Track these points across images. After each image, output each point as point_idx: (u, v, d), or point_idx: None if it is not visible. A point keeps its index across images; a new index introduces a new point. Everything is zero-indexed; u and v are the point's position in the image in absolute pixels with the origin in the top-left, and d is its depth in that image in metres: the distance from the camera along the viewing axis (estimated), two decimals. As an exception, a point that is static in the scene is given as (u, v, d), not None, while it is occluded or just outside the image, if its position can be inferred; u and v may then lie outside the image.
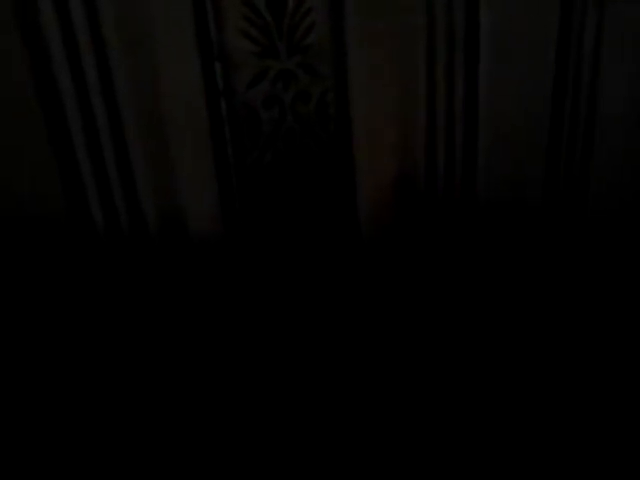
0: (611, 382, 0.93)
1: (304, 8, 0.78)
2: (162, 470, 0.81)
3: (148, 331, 0.87)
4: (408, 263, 0.96)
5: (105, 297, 0.83)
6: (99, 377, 0.84)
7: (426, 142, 0.91)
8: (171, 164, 0.81)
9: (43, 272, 0.79)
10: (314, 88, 0.83)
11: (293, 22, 0.79)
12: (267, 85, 0.81)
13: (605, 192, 1.00)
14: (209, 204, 0.84)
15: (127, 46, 0.73)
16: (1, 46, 0.69)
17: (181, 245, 0.85)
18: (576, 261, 1.02)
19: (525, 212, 0.98)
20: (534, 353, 1.00)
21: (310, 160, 0.87)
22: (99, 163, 0.77)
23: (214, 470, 0.81)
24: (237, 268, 0.88)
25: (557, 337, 1.01)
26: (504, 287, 1.01)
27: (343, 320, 0.95)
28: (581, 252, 1.02)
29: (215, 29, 0.76)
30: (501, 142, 0.93)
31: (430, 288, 0.98)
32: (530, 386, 0.94)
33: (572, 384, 0.93)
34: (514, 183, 0.97)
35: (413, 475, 0.79)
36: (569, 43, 0.90)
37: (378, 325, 0.96)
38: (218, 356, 0.90)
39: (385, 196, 0.92)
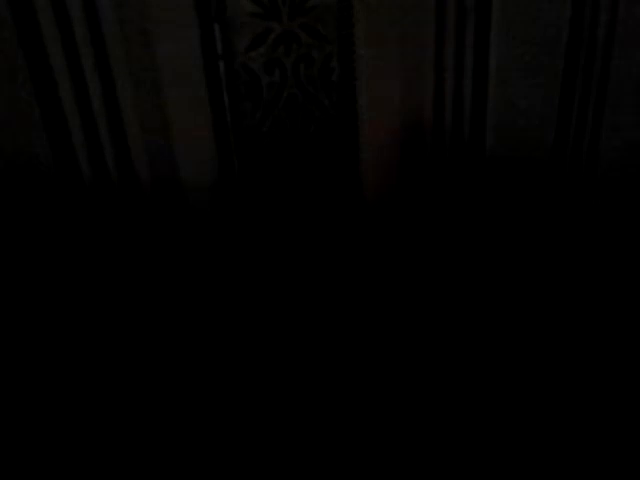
0: (615, 377, 0.92)
1: (308, -34, 0.74)
2: (162, 469, 0.80)
3: (137, 301, 0.84)
4: (412, 226, 0.93)
5: (94, 262, 0.81)
6: (85, 353, 0.82)
7: (433, 101, 0.87)
8: (167, 127, 0.77)
9: (31, 231, 0.77)
10: (317, 52, 0.79)
11: (296, -19, 0.75)
12: (268, 48, 0.77)
13: (615, 157, 0.97)
14: (206, 169, 0.81)
15: (120, 6, 0.70)
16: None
17: (176, 208, 0.82)
18: (582, 226, 1.00)
19: (533, 171, 0.95)
20: (536, 329, 0.98)
21: (312, 126, 0.84)
22: (90, 122, 0.74)
23: (214, 469, 0.80)
24: (234, 235, 0.86)
25: (560, 314, 0.99)
26: (509, 252, 0.98)
27: (345, 293, 0.93)
28: (588, 219, 1.00)
29: (214, -13, 0.72)
30: (511, 99, 0.90)
31: (435, 253, 0.95)
32: (533, 371, 0.93)
33: (575, 376, 0.92)
34: (523, 140, 0.93)
35: (413, 475, 0.78)
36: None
37: (381, 300, 0.94)
38: (211, 329, 0.88)
39: (390, 158, 0.89)
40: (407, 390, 0.87)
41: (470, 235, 0.96)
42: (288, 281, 0.90)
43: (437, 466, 0.79)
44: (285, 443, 0.81)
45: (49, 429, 0.80)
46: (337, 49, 0.80)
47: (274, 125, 0.82)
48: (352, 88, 0.83)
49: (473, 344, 0.93)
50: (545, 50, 0.87)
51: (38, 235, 0.77)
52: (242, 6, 0.74)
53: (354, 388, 0.88)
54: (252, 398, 0.86)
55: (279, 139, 0.83)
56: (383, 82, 0.84)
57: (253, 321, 0.90)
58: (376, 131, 0.86)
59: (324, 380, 0.88)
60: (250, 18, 0.75)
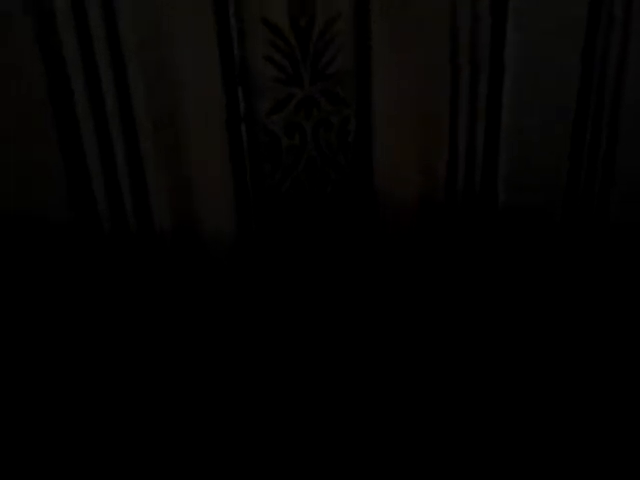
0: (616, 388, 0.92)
1: (330, 34, 0.77)
2: (162, 470, 0.79)
3: (154, 334, 0.84)
4: (428, 277, 0.94)
5: (111, 300, 0.81)
6: (101, 377, 0.82)
7: (447, 165, 0.89)
8: (189, 184, 0.79)
9: (48, 275, 0.77)
10: (336, 116, 0.81)
11: (318, 48, 0.77)
12: (289, 112, 0.79)
13: (628, 202, 0.98)
14: (225, 225, 0.82)
15: (147, 64, 0.71)
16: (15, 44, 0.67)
17: (194, 263, 0.83)
18: (596, 271, 1.01)
19: (545, 222, 0.97)
20: (545, 360, 0.98)
21: (329, 187, 0.85)
22: (112, 175, 0.75)
23: (214, 470, 0.79)
24: (251, 288, 0.86)
25: (568, 343, 0.99)
26: (520, 295, 0.99)
27: (356, 329, 0.93)
28: (601, 263, 1.01)
29: (239, 53, 0.74)
30: (523, 155, 0.92)
31: (446, 295, 0.96)
32: (535, 388, 0.93)
33: (578, 387, 0.92)
34: (535, 191, 0.95)
35: (413, 475, 0.77)
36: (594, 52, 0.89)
37: (390, 329, 0.94)
38: (223, 360, 0.88)
39: (406, 218, 0.90)
40: (409, 393, 0.87)
41: (481, 276, 0.97)
42: (298, 325, 0.91)
43: (437, 466, 0.78)
44: (285, 443, 0.80)
45: (49, 429, 0.79)
46: (355, 112, 0.83)
47: (293, 186, 0.83)
48: (368, 149, 0.85)
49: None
50: (557, 101, 0.90)
51: (55, 281, 0.78)
52: (265, 71, 0.76)
53: (355, 391, 0.87)
54: (255, 396, 0.85)
55: (297, 199, 0.84)
56: (399, 144, 0.86)
57: (258, 353, 0.90)
58: (392, 190, 0.88)
59: (326, 383, 0.88)
60: (273, 83, 0.77)
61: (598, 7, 0.83)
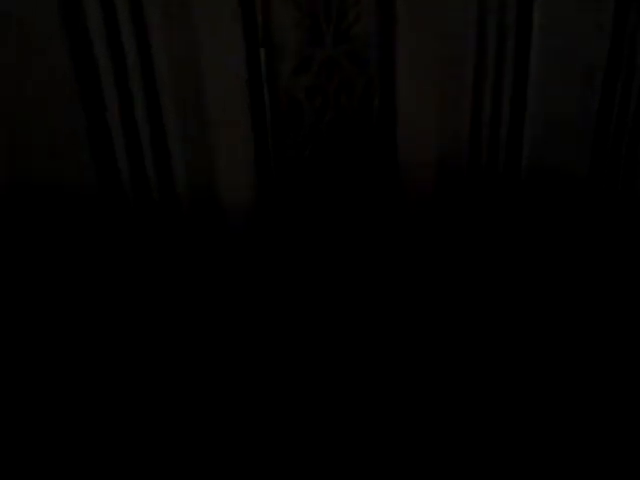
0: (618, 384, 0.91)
1: (353, -4, 0.75)
2: (162, 471, 0.80)
3: (170, 306, 0.85)
4: (449, 239, 0.93)
5: (131, 269, 0.82)
6: (104, 367, 0.83)
7: (470, 128, 0.88)
8: (209, 148, 0.79)
9: (71, 242, 0.78)
10: (358, 78, 0.80)
11: (341, 9, 0.76)
12: (311, 74, 0.78)
13: None
14: (246, 190, 0.82)
15: (169, 28, 0.71)
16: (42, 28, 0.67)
17: (213, 228, 0.83)
18: (617, 247, 0.99)
19: (571, 181, 0.95)
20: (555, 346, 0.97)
21: (351, 152, 0.84)
22: (134, 140, 0.75)
23: (214, 471, 0.80)
24: (268, 257, 0.86)
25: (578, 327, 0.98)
26: (540, 267, 0.98)
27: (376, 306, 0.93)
28: (624, 237, 0.99)
29: (262, 14, 0.73)
30: (549, 128, 0.90)
31: (465, 264, 0.95)
32: (536, 384, 0.92)
33: (578, 383, 0.91)
34: (561, 149, 0.93)
35: (413, 475, 0.77)
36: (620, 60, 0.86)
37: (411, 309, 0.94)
38: (234, 342, 0.89)
39: (428, 184, 0.89)
40: (409, 392, 0.87)
41: (502, 246, 0.96)
42: (316, 302, 0.91)
43: (437, 467, 0.78)
44: (285, 445, 0.81)
45: (48, 430, 0.81)
46: (378, 77, 0.81)
47: (315, 149, 0.82)
48: (392, 114, 0.84)
49: (479, 347, 0.93)
50: (581, 80, 0.87)
51: (79, 250, 0.79)
52: (288, 32, 0.76)
53: (356, 390, 0.87)
54: (254, 400, 0.86)
55: (320, 163, 0.84)
56: (423, 107, 0.85)
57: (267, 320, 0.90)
58: (415, 154, 0.86)
59: (326, 382, 0.88)
60: (295, 44, 0.76)
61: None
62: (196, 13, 0.71)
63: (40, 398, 0.80)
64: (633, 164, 0.94)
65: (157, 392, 0.85)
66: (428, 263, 0.93)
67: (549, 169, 0.92)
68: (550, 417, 0.88)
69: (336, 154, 0.84)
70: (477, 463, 0.79)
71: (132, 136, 0.75)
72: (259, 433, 0.86)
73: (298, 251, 0.88)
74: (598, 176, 0.94)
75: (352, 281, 0.91)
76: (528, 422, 0.87)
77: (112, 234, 0.78)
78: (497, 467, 0.78)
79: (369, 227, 0.89)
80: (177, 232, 0.81)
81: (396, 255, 0.92)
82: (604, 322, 0.99)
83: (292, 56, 0.77)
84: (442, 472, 0.77)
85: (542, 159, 0.91)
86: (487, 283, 0.96)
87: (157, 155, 0.76)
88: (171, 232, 0.81)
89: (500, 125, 0.87)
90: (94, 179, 0.74)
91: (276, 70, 0.77)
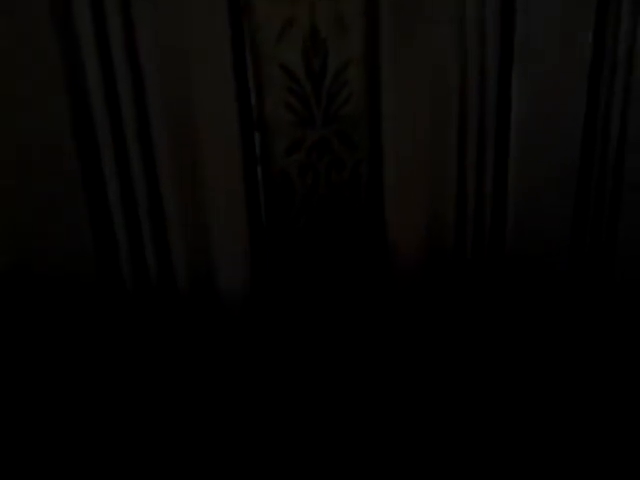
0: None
1: (342, 79, 0.80)
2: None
3: (167, 385, 0.85)
4: (436, 315, 0.95)
5: (128, 352, 0.82)
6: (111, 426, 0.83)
7: (456, 214, 0.91)
8: (205, 226, 0.81)
9: (69, 326, 0.79)
10: (348, 157, 0.84)
11: (331, 92, 0.80)
12: (303, 153, 0.82)
13: (633, 257, 0.99)
14: (240, 266, 0.84)
15: (167, 109, 0.75)
16: (50, 107, 0.71)
17: (209, 304, 0.84)
18: (601, 327, 1.01)
19: (551, 275, 0.98)
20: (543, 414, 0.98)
21: (342, 226, 0.87)
22: (133, 221, 0.78)
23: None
24: (263, 328, 0.88)
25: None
26: (523, 343, 0.99)
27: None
28: (607, 318, 1.01)
29: (256, 98, 0.77)
30: (529, 212, 0.94)
31: (451, 342, 0.97)
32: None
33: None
34: (541, 240, 0.96)
35: None
36: (596, 120, 0.91)
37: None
38: (232, 411, 0.89)
39: (414, 258, 0.92)
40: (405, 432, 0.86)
41: (486, 327, 0.97)
42: (309, 376, 0.91)
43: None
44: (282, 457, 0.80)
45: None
46: (366, 154, 0.85)
47: (306, 225, 0.85)
48: (380, 189, 0.87)
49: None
50: (562, 153, 0.92)
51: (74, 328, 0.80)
52: (281, 114, 0.79)
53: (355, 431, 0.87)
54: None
55: (310, 238, 0.86)
56: (409, 186, 0.88)
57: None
58: (401, 231, 0.89)
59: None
60: (288, 126, 0.80)
61: (601, 58, 0.86)
62: (195, 100, 0.75)
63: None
64: (611, 253, 0.98)
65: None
66: (417, 338, 0.95)
67: (531, 256, 0.95)
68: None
69: (327, 228, 0.86)
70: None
71: (131, 215, 0.77)
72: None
73: (292, 326, 0.89)
74: (577, 267, 0.97)
75: (344, 354, 0.92)
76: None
77: (109, 315, 0.80)
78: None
79: (360, 300, 0.91)
80: (174, 314, 0.82)
81: (386, 328, 0.93)
82: (584, 398, 1.00)
83: (285, 137, 0.81)
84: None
85: (524, 247, 0.94)
86: (474, 357, 0.98)
87: (156, 238, 0.78)
88: (168, 314, 0.82)
89: (484, 204, 0.91)
90: (93, 264, 0.76)
91: (269, 150, 0.81)
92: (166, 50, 0.72)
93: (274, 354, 0.89)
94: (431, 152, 0.87)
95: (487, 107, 0.85)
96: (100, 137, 0.73)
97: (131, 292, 0.80)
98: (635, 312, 1.01)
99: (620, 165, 0.94)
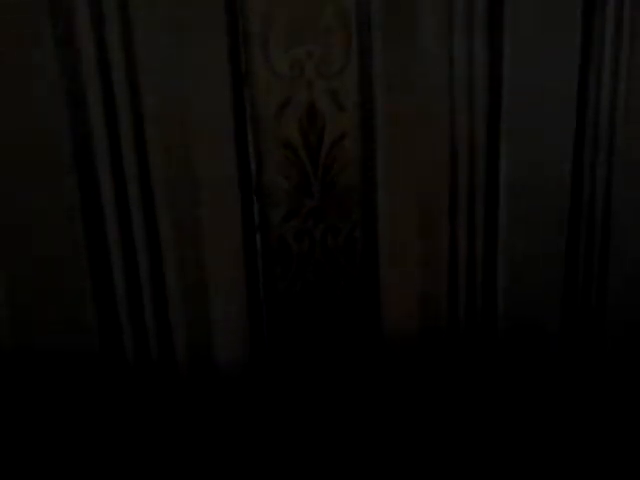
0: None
1: (337, 151, 0.84)
2: None
3: (167, 458, 0.86)
4: (429, 381, 0.96)
5: (128, 426, 0.83)
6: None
7: (448, 278, 0.94)
8: (205, 292, 0.83)
9: (70, 400, 0.80)
10: (343, 223, 0.87)
11: (327, 163, 0.84)
12: (300, 219, 0.85)
13: (622, 319, 1.01)
14: (238, 334, 0.86)
15: (169, 180, 0.78)
16: (55, 190, 0.74)
17: (207, 375, 0.85)
18: (593, 389, 1.02)
19: (543, 335, 0.99)
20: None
21: (336, 291, 0.89)
22: (134, 293, 0.80)
23: None
24: (261, 397, 0.89)
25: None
26: (518, 417, 1.00)
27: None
28: (599, 379, 1.02)
29: (255, 169, 0.81)
30: (519, 278, 0.96)
31: (443, 407, 0.97)
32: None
33: None
34: (533, 305, 0.98)
35: None
36: (582, 182, 0.95)
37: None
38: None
39: (408, 323, 0.93)
40: None
41: (479, 392, 0.98)
42: (307, 442, 0.92)
43: None
44: None
45: None
46: (361, 221, 0.88)
47: (302, 289, 0.88)
48: (374, 257, 0.90)
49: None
50: (550, 219, 0.95)
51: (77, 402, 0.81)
52: (279, 184, 0.83)
53: None
54: None
55: (306, 301, 0.88)
56: (402, 253, 0.91)
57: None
58: (395, 295, 0.92)
59: None
60: (285, 194, 0.84)
61: (582, 133, 0.91)
62: (196, 168, 0.79)
63: None
64: (601, 317, 1.00)
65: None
66: (411, 407, 0.96)
67: (523, 322, 0.97)
68: None
69: (323, 293, 0.89)
70: None
71: (134, 290, 0.79)
72: None
73: (288, 396, 0.90)
74: (568, 330, 0.99)
75: (340, 425, 0.93)
76: None
77: (109, 389, 0.81)
78: None
79: (354, 369, 0.92)
80: (173, 388, 0.84)
81: (381, 397, 0.94)
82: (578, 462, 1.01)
83: (282, 204, 0.84)
84: None
85: (516, 313, 0.97)
86: (468, 422, 0.98)
87: (158, 313, 0.81)
88: (167, 388, 0.84)
89: (475, 268, 0.94)
90: (96, 339, 0.78)
91: (268, 216, 0.84)
92: (169, 118, 0.77)
93: (272, 427, 0.90)
94: (423, 218, 0.90)
95: (476, 176, 0.89)
96: (105, 209, 0.76)
97: (132, 366, 0.82)
98: (626, 372, 1.02)
99: (607, 227, 0.97)
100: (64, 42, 0.71)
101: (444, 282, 0.93)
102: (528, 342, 0.98)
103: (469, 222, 0.92)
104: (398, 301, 0.92)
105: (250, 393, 0.88)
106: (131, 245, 0.79)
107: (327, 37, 0.78)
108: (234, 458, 0.89)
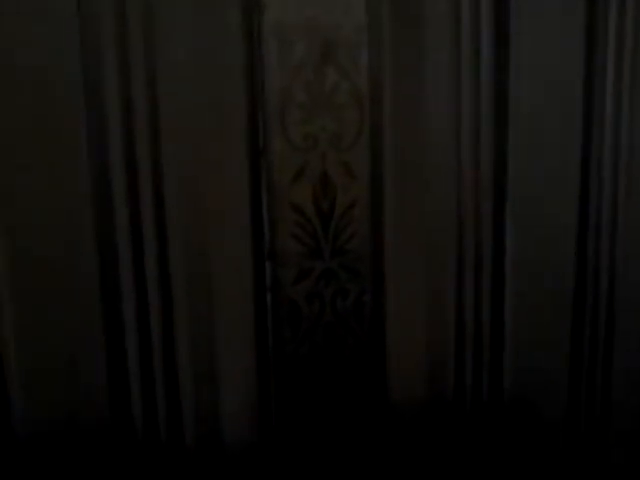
0: None
1: (348, 218, 0.88)
2: None
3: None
4: (433, 449, 0.97)
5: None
6: None
7: (455, 344, 0.95)
8: (216, 373, 0.86)
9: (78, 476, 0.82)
10: (352, 287, 0.90)
11: (338, 229, 0.87)
12: (310, 282, 0.88)
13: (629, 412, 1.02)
14: (247, 407, 0.88)
15: (185, 253, 0.82)
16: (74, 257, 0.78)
17: (215, 451, 0.87)
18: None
19: (548, 417, 1.00)
20: None
21: (346, 351, 0.92)
22: (147, 367, 0.83)
23: None
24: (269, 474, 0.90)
25: None
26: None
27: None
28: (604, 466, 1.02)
29: (269, 233, 0.85)
30: (525, 353, 0.98)
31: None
32: None
33: None
34: (538, 387, 0.99)
35: None
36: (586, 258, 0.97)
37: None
38: None
39: (415, 389, 0.95)
40: None
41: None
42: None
43: None
44: None
45: None
46: (370, 285, 0.91)
47: (311, 350, 0.90)
48: (382, 320, 0.92)
49: None
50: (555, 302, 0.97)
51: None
52: (291, 247, 0.87)
53: None
54: None
55: (315, 363, 0.90)
56: (410, 317, 0.93)
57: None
58: (402, 362, 0.94)
59: None
60: (297, 257, 0.87)
61: (586, 215, 0.94)
62: (211, 231, 0.83)
63: None
64: (607, 406, 1.01)
65: None
66: (415, 473, 0.96)
67: (529, 403, 0.98)
68: None
69: (331, 354, 0.91)
70: None
71: (146, 366, 0.82)
72: None
73: (295, 458, 0.91)
74: (573, 417, 1.00)
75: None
76: None
77: (118, 466, 0.83)
78: None
79: (359, 435, 0.93)
80: (181, 467, 0.86)
81: (385, 461, 0.95)
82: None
83: (293, 267, 0.87)
84: None
85: (523, 393, 0.98)
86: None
87: (168, 393, 0.83)
88: (175, 467, 0.85)
89: (482, 333, 0.96)
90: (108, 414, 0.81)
91: (279, 278, 0.87)
92: (188, 182, 0.81)
93: None
94: (430, 285, 0.93)
95: (484, 246, 0.92)
96: (122, 281, 0.80)
97: (141, 443, 0.84)
98: (633, 456, 1.02)
99: (611, 303, 0.99)
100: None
101: (451, 350, 0.94)
102: (532, 422, 0.99)
103: (476, 292, 0.94)
104: (405, 367, 0.94)
105: (256, 458, 0.90)
106: (144, 305, 0.82)
107: (340, 112, 0.82)
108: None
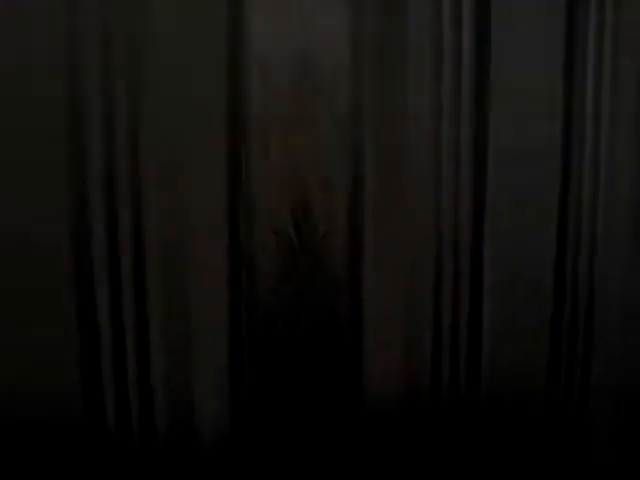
0: None
1: (328, 242, 0.87)
2: None
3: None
4: (410, 449, 0.99)
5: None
6: None
7: (432, 349, 0.96)
8: (190, 383, 0.88)
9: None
10: (330, 286, 0.90)
11: (317, 252, 0.87)
12: (288, 286, 0.88)
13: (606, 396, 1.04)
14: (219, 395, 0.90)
15: (164, 264, 0.82)
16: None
17: (189, 442, 0.89)
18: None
19: (526, 414, 1.02)
20: None
21: (320, 366, 0.93)
22: (120, 359, 0.84)
23: None
24: (241, 463, 0.92)
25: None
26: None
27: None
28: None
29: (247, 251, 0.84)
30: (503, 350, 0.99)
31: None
32: None
33: None
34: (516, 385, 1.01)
35: None
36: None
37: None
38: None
39: (392, 400, 0.96)
40: None
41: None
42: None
43: None
44: None
45: None
46: (348, 283, 0.91)
47: (287, 362, 0.91)
48: (359, 318, 0.93)
49: None
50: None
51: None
52: (267, 264, 0.86)
53: None
54: None
55: (291, 362, 0.91)
56: (386, 317, 0.94)
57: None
58: (379, 373, 0.95)
59: None
60: (274, 275, 0.87)
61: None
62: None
63: None
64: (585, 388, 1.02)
65: None
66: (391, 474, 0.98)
67: (507, 395, 1.00)
68: None
69: (308, 364, 0.92)
70: None
71: (119, 357, 0.83)
72: None
73: (268, 456, 0.93)
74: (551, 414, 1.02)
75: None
76: None
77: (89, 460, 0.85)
78: None
79: (335, 437, 0.95)
80: (153, 460, 0.88)
81: (361, 461, 0.97)
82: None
83: (270, 275, 0.87)
84: None
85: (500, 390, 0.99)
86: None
87: (141, 386, 0.84)
88: (147, 460, 0.88)
89: (459, 347, 0.97)
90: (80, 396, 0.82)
91: (257, 294, 0.87)
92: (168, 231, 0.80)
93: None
94: (408, 282, 0.93)
95: (461, 279, 0.92)
96: (95, 283, 0.80)
97: (114, 439, 0.86)
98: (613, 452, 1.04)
99: (590, 311, 0.99)
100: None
101: (428, 346, 0.96)
102: (510, 418, 1.01)
103: (454, 291, 0.95)
104: (381, 364, 0.95)
105: (229, 450, 0.92)
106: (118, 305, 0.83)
107: (321, 133, 0.81)
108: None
